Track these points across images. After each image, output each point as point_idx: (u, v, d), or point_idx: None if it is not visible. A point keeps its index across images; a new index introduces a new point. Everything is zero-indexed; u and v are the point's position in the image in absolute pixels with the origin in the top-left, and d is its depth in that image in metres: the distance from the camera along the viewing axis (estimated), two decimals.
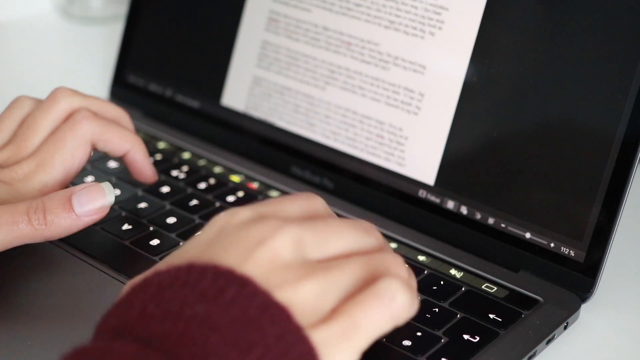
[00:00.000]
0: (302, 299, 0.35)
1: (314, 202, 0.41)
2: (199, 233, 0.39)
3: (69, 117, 0.54)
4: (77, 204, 0.48)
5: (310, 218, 0.40)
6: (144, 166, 0.57)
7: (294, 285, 0.35)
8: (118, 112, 0.57)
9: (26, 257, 0.51)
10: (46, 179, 0.52)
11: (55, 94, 0.55)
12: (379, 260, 0.39)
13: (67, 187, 0.53)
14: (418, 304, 0.38)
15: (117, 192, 0.59)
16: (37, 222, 0.48)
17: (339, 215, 0.58)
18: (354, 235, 0.39)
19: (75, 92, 0.55)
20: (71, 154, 0.53)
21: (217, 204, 0.59)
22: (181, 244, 0.54)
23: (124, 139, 0.55)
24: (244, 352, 0.33)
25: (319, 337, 0.35)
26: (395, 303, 0.37)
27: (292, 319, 0.34)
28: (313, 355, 0.34)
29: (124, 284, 0.50)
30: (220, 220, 0.39)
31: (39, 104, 0.55)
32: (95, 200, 0.49)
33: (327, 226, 0.39)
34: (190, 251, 0.38)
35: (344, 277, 0.37)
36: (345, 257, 0.38)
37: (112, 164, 0.62)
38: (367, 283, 0.37)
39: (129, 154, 0.56)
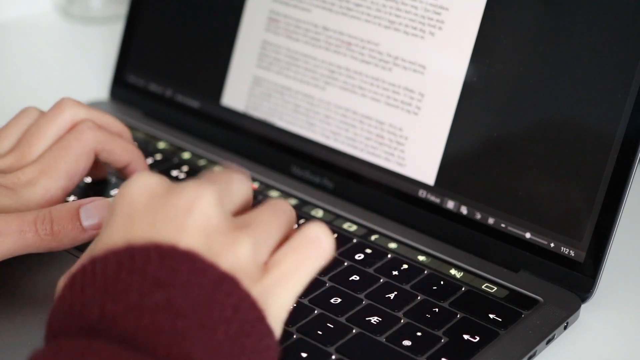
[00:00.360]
0: (242, 260, 0.36)
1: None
2: (110, 213, 0.38)
3: (73, 128, 0.55)
4: (85, 216, 0.49)
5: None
6: None
7: (232, 249, 0.36)
8: (120, 127, 0.58)
9: (26, 257, 0.51)
10: (49, 185, 0.52)
11: (60, 104, 0.55)
12: (276, 202, 0.40)
13: (68, 195, 0.54)
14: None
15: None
16: (44, 232, 0.48)
17: (335, 214, 0.58)
18: (238, 181, 0.40)
19: (80, 104, 0.56)
20: (76, 162, 0.53)
21: None
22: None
23: (126, 151, 0.56)
24: (211, 331, 0.34)
25: (261, 290, 0.36)
26: (323, 246, 0.38)
27: (241, 287, 0.35)
28: (262, 319, 0.36)
29: None
30: (129, 194, 0.37)
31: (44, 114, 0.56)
32: (102, 214, 0.49)
33: (224, 177, 0.40)
34: (113, 234, 0.37)
35: (269, 225, 0.38)
36: (256, 211, 0.39)
37: None
38: (282, 226, 0.39)
39: (130, 166, 0.57)
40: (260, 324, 0.36)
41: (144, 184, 0.38)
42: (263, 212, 0.39)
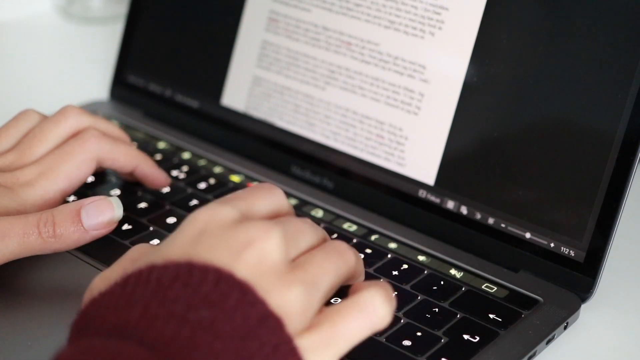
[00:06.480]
0: (291, 305, 0.36)
1: (278, 196, 0.42)
2: (177, 230, 0.39)
3: (76, 134, 0.55)
4: (86, 217, 0.49)
5: (278, 216, 0.42)
6: (155, 175, 0.58)
7: (283, 292, 0.36)
8: (122, 135, 0.58)
9: (25, 257, 0.51)
10: (49, 187, 0.52)
11: (64, 110, 0.56)
12: (340, 250, 0.40)
13: (66, 198, 0.54)
14: (394, 307, 0.40)
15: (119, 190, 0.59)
16: (47, 234, 0.49)
17: (335, 214, 0.58)
18: (312, 230, 0.41)
19: (84, 111, 0.57)
20: (77, 167, 0.54)
21: None
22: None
23: (130, 157, 0.57)
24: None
25: (304, 345, 0.36)
26: (377, 315, 0.38)
27: (285, 330, 0.35)
28: None
29: None
30: (201, 218, 0.38)
31: (46, 118, 0.56)
32: (104, 214, 0.50)
33: (295, 225, 0.40)
34: (173, 249, 0.37)
35: (324, 276, 0.38)
36: (312, 253, 0.40)
37: None
38: (341, 277, 0.39)
39: (137, 169, 0.57)
40: None
41: (216, 214, 0.38)
42: (320, 255, 0.39)
